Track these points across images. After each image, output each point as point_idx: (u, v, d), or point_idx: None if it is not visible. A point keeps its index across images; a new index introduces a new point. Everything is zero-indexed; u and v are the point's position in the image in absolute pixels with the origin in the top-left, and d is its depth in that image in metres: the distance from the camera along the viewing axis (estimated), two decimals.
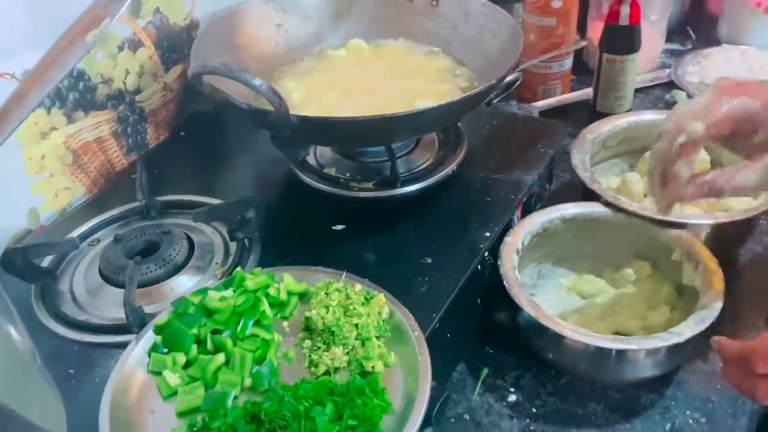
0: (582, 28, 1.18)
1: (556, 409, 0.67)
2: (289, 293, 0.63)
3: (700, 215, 0.76)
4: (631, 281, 0.75)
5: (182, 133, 0.97)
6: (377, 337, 0.58)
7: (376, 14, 0.94)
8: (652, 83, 1.17)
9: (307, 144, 0.80)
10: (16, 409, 0.39)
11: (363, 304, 0.60)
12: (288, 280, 0.63)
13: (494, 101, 0.82)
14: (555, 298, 0.77)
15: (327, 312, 0.59)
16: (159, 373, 0.57)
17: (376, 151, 0.81)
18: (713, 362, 0.70)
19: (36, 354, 0.50)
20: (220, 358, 0.57)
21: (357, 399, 0.52)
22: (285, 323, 0.62)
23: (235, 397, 0.55)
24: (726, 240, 0.77)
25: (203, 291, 0.62)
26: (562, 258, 0.80)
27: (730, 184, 0.58)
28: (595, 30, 1.12)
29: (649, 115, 0.91)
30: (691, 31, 1.31)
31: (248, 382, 0.56)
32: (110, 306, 0.67)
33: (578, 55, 1.16)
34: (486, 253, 0.70)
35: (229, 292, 0.62)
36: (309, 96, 0.83)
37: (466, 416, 0.67)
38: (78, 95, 0.83)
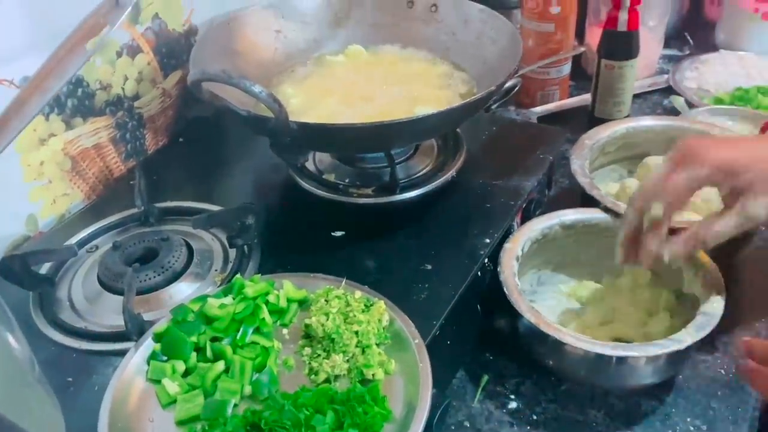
0: (580, 34, 1.18)
1: (556, 416, 0.67)
2: (289, 300, 0.63)
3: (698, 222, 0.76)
4: (631, 288, 0.75)
5: (181, 139, 0.97)
6: (377, 345, 0.58)
7: (374, 20, 0.94)
8: (650, 89, 1.17)
9: (306, 150, 0.80)
10: (14, 419, 0.38)
11: (363, 311, 0.60)
12: (288, 287, 0.63)
13: (493, 107, 0.82)
14: (555, 304, 0.77)
15: (327, 319, 0.59)
16: (158, 381, 0.56)
17: (375, 157, 0.81)
18: (714, 369, 0.70)
19: (34, 362, 0.50)
20: (220, 365, 0.57)
21: (357, 407, 0.51)
22: (285, 330, 0.61)
23: (235, 406, 0.55)
24: (725, 246, 0.77)
25: (202, 298, 0.62)
26: (562, 264, 0.80)
27: (711, 233, 0.62)
28: (594, 36, 1.12)
29: (647, 121, 0.91)
30: (688, 37, 1.31)
31: (248, 390, 0.56)
32: (109, 313, 0.66)
33: (576, 60, 1.17)
34: (486, 260, 0.70)
35: (228, 300, 0.61)
36: (308, 102, 0.83)
37: (467, 423, 0.67)
38: (76, 101, 0.83)
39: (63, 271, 0.73)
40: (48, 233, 0.81)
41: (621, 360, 0.62)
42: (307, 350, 0.59)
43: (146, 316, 0.63)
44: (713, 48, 1.25)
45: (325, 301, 0.61)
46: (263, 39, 0.91)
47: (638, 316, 0.72)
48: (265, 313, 0.60)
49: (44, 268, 0.72)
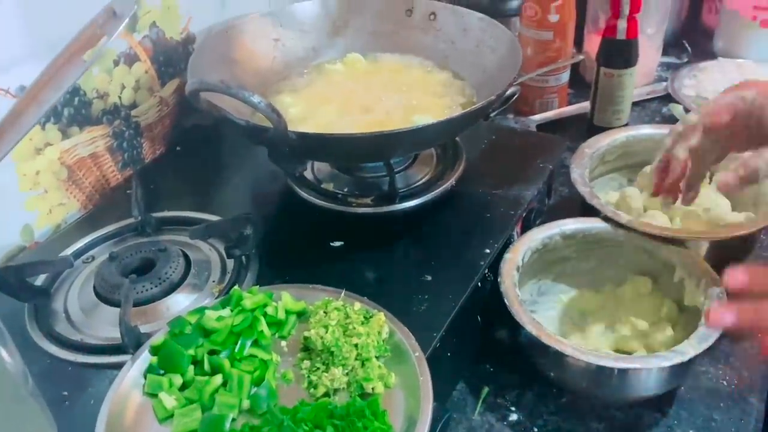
0: (579, 42, 1.18)
1: (557, 428, 0.66)
2: (288, 312, 0.62)
3: (699, 231, 0.75)
4: (632, 298, 0.75)
5: (178, 148, 0.96)
6: (377, 358, 0.57)
7: (373, 29, 0.94)
8: (649, 97, 1.17)
9: (304, 160, 0.79)
10: None
11: (362, 323, 0.59)
12: (286, 299, 0.62)
13: (492, 115, 0.82)
14: (555, 314, 0.77)
15: (326, 331, 0.58)
16: (155, 395, 0.55)
17: (374, 166, 0.81)
18: (716, 380, 0.69)
19: (28, 375, 0.50)
20: (218, 379, 0.56)
21: (357, 422, 0.51)
22: (283, 343, 0.60)
23: (233, 420, 0.54)
24: (726, 256, 0.77)
25: (200, 310, 0.61)
26: (562, 274, 0.79)
27: (764, 159, 0.59)
28: (592, 44, 1.12)
29: (646, 129, 0.91)
30: (687, 45, 1.31)
31: (246, 404, 0.55)
32: (105, 325, 0.65)
33: (575, 68, 1.16)
34: (486, 270, 0.69)
35: (226, 312, 0.60)
36: (306, 110, 0.83)
37: None
38: (73, 110, 0.82)
39: (59, 282, 0.72)
40: (44, 243, 0.80)
41: (623, 372, 0.62)
42: (306, 363, 0.58)
43: (143, 329, 0.62)
44: (711, 56, 1.26)
45: (324, 313, 0.60)
46: (261, 47, 0.90)
47: (639, 326, 0.72)
48: (263, 326, 0.59)
49: (40, 280, 0.71)
